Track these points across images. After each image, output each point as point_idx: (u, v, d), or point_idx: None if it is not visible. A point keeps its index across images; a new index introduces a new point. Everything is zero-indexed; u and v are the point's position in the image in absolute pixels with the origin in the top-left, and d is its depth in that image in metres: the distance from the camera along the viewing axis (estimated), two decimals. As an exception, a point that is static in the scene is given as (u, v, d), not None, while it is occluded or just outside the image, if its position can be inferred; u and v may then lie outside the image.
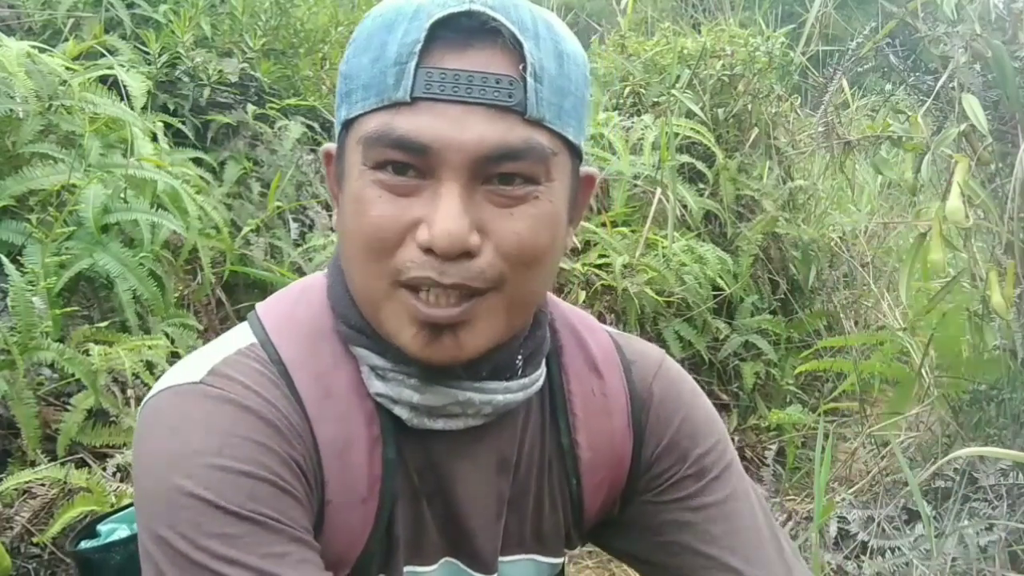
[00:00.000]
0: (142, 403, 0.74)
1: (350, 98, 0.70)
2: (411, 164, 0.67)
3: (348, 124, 0.71)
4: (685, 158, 3.41)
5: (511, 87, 0.67)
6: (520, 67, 0.67)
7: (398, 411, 0.74)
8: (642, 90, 3.73)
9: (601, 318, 2.79)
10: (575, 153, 0.73)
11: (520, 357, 0.78)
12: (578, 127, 0.72)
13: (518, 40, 0.67)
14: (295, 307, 0.79)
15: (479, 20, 0.67)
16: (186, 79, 2.75)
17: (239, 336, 0.77)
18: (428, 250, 0.67)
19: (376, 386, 0.74)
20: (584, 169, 0.77)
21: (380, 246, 0.68)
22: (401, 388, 0.74)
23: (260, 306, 0.81)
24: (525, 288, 0.71)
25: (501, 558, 0.82)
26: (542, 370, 0.81)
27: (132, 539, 0.85)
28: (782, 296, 3.49)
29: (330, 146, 0.78)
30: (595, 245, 3.02)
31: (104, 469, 1.75)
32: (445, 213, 0.66)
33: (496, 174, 0.68)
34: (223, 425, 0.69)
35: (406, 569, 0.78)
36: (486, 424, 0.77)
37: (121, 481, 1.74)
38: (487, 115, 0.66)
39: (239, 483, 0.67)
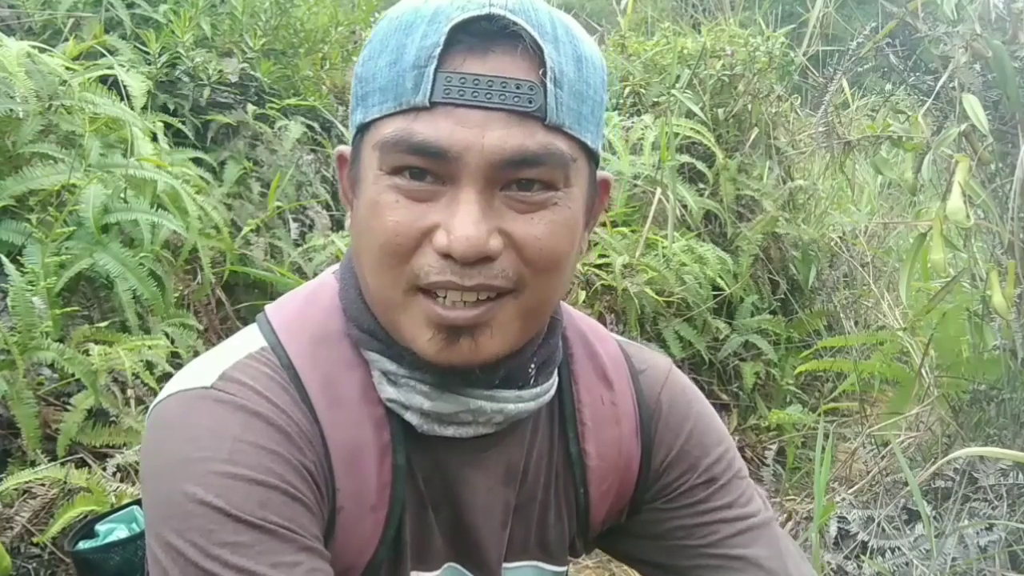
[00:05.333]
0: (152, 406, 0.74)
1: (366, 101, 0.69)
2: (429, 169, 0.66)
3: (363, 128, 0.70)
4: (685, 158, 3.41)
5: (531, 92, 0.65)
6: (540, 72, 0.66)
7: (408, 417, 0.74)
8: (642, 90, 3.73)
9: (601, 318, 2.79)
10: (593, 158, 0.72)
11: (533, 366, 0.77)
12: (596, 132, 0.71)
13: (538, 44, 0.65)
14: (305, 310, 0.78)
15: (499, 24, 0.65)
16: (186, 79, 2.74)
17: (249, 339, 0.76)
18: (446, 255, 0.66)
19: (387, 391, 0.74)
20: (600, 174, 0.76)
21: (396, 251, 0.68)
22: (412, 394, 0.73)
23: (270, 308, 0.80)
24: (542, 293, 0.71)
25: (505, 564, 0.82)
26: (554, 379, 0.80)
27: (131, 540, 0.85)
28: (782, 296, 3.50)
29: (344, 149, 0.76)
30: (595, 245, 3.02)
31: (104, 469, 1.75)
32: (464, 218, 0.65)
33: (515, 180, 0.67)
34: (234, 431, 0.68)
35: (411, 574, 0.78)
36: (495, 432, 0.77)
37: (121, 481, 1.74)
38: (507, 120, 0.65)
39: (250, 491, 0.66)
